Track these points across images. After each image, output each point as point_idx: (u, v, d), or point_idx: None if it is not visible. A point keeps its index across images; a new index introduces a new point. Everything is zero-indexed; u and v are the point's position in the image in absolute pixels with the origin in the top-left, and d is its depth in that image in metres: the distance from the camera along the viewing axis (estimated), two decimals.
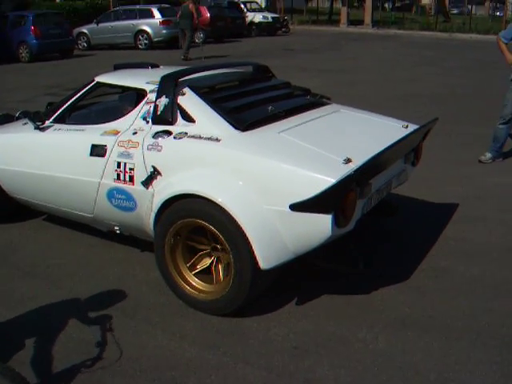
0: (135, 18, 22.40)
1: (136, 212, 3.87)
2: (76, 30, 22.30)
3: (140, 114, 3.98)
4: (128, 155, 3.83)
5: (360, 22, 34.00)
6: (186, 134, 3.67)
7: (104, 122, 4.19)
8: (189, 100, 3.85)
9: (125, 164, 3.85)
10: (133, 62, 5.15)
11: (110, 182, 3.95)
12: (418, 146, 4.37)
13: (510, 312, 3.65)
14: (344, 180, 3.08)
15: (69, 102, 4.59)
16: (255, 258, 3.27)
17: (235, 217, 3.27)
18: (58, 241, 4.87)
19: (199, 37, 21.02)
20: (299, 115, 4.09)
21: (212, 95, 3.98)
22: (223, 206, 3.30)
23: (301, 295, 3.88)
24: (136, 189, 3.80)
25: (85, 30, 22.81)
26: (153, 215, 3.69)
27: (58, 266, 4.40)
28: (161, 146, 3.69)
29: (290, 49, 21.44)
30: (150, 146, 3.73)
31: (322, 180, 3.12)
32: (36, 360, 3.25)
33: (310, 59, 18.03)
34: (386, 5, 51.27)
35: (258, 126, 3.73)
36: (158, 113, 3.84)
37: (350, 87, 12.22)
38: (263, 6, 32.58)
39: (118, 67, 5.05)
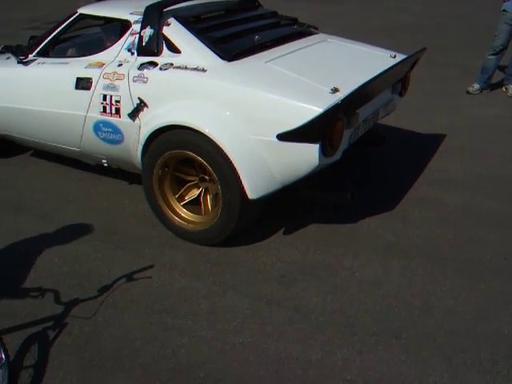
0: None
1: (123, 144, 3.85)
2: None
3: (125, 46, 3.91)
4: (114, 87, 3.78)
5: None
6: (172, 64, 3.62)
7: (88, 55, 4.11)
8: (174, 30, 3.77)
9: (111, 96, 3.80)
10: None
11: (96, 115, 3.90)
12: (406, 77, 4.33)
13: (494, 241, 3.72)
14: (331, 109, 3.07)
15: (52, 35, 4.48)
16: (243, 188, 3.30)
17: (223, 147, 3.27)
18: (45, 176, 4.86)
19: None
20: (286, 45, 4.03)
21: (198, 25, 3.89)
22: (210, 136, 3.29)
23: (288, 225, 3.93)
24: (123, 121, 3.77)
25: None
26: (140, 147, 3.68)
27: (46, 201, 4.42)
28: (146, 78, 3.64)
29: None
30: (136, 78, 3.68)
31: (309, 109, 3.10)
32: (24, 292, 3.30)
33: None
34: None
35: (245, 56, 3.67)
36: (143, 44, 3.77)
37: (337, 17, 11.98)
38: None
39: None
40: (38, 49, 4.46)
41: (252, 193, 3.31)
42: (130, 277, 3.41)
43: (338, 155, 3.40)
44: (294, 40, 4.19)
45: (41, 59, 4.38)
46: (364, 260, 3.54)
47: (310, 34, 4.52)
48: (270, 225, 3.93)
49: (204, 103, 3.44)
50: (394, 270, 3.43)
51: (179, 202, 3.76)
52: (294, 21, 4.68)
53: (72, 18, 4.44)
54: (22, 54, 4.41)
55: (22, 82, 4.42)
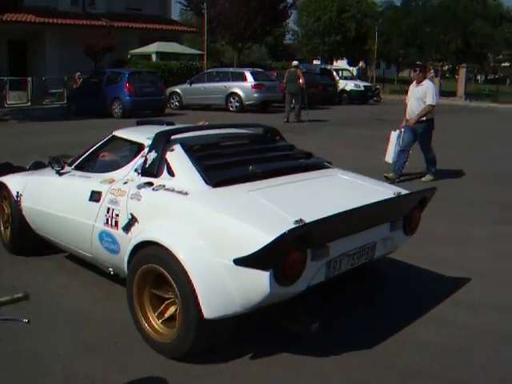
0: (228, 80, 22.61)
1: (119, 255, 4.13)
2: (169, 89, 22.88)
3: (134, 166, 4.32)
4: (116, 202, 4.16)
5: (452, 94, 33.65)
6: (164, 186, 3.95)
7: (107, 171, 4.57)
8: (175, 156, 4.13)
9: (113, 210, 4.17)
10: (154, 119, 5.50)
11: (101, 225, 4.28)
12: (412, 215, 4.30)
13: None
14: (279, 238, 3.14)
15: (88, 152, 5.06)
16: (199, 306, 3.41)
17: (184, 266, 3.44)
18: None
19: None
20: (283, 177, 4.21)
21: (199, 153, 4.24)
22: (174, 253, 3.50)
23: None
24: (119, 233, 4.10)
25: (178, 90, 23.30)
26: (126, 258, 3.95)
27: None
28: (140, 196, 3.99)
29: (381, 119, 20.45)
30: (133, 195, 4.04)
31: (261, 236, 3.23)
32: None
33: None
34: (479, 77, 50.47)
35: (232, 184, 3.92)
36: (146, 166, 4.16)
37: (443, 163, 10.36)
38: (354, 74, 32.80)
39: (139, 123, 5.50)
40: (76, 163, 5.03)
41: (207, 312, 3.40)
42: None
43: (299, 286, 3.44)
44: (297, 172, 4.37)
45: (73, 172, 4.92)
46: None
47: (321, 167, 4.66)
48: None
49: (178, 223, 3.71)
50: None
51: (158, 319, 3.84)
52: (308, 155, 4.85)
53: (106, 139, 5.00)
54: (58, 165, 4.95)
55: (53, 189, 4.98)
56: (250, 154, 4.55)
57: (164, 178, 4.05)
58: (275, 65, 35.56)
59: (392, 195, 4.18)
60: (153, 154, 4.16)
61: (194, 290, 3.42)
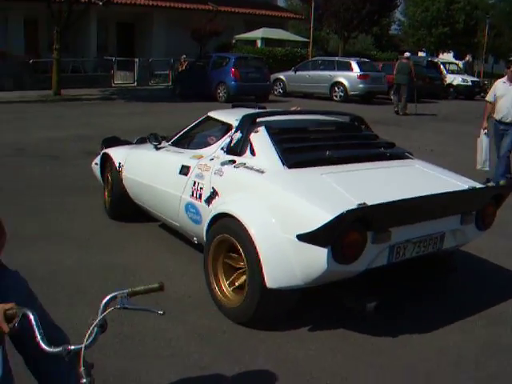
0: (333, 69, 22.38)
1: (201, 225, 4.52)
2: (273, 76, 22.97)
3: (222, 145, 4.70)
4: (201, 176, 4.57)
5: None
6: (244, 164, 4.30)
7: (198, 148, 5.01)
8: (258, 137, 4.47)
9: (198, 183, 4.59)
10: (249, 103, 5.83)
11: (187, 197, 4.70)
12: (486, 210, 4.33)
13: None
14: (337, 218, 3.36)
15: (184, 130, 5.53)
16: (264, 276, 3.71)
17: (253, 238, 3.76)
18: None
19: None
20: (360, 163, 4.42)
21: (281, 135, 4.55)
22: (246, 225, 3.83)
23: None
24: (202, 205, 4.51)
25: (282, 77, 23.51)
26: (205, 228, 4.33)
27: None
28: (223, 172, 4.37)
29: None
30: (216, 171, 4.43)
31: (323, 215, 3.48)
32: None
33: None
34: None
35: (307, 166, 4.20)
36: (232, 145, 4.53)
37: None
38: (461, 68, 31.51)
39: (234, 106, 5.91)
40: (173, 139, 5.51)
41: (270, 282, 3.70)
42: None
43: (358, 267, 3.64)
44: (374, 161, 4.56)
45: (169, 147, 5.40)
46: None
47: (400, 158, 4.80)
48: None
49: (252, 198, 4.06)
50: None
51: (230, 287, 4.18)
52: (390, 145, 5.00)
53: (201, 119, 5.44)
54: (155, 140, 5.43)
55: (150, 162, 5.49)
56: (331, 140, 4.81)
57: (246, 157, 4.40)
58: (380, 55, 35.08)
59: (463, 188, 4.25)
60: (238, 134, 4.52)
61: (260, 261, 3.72)
